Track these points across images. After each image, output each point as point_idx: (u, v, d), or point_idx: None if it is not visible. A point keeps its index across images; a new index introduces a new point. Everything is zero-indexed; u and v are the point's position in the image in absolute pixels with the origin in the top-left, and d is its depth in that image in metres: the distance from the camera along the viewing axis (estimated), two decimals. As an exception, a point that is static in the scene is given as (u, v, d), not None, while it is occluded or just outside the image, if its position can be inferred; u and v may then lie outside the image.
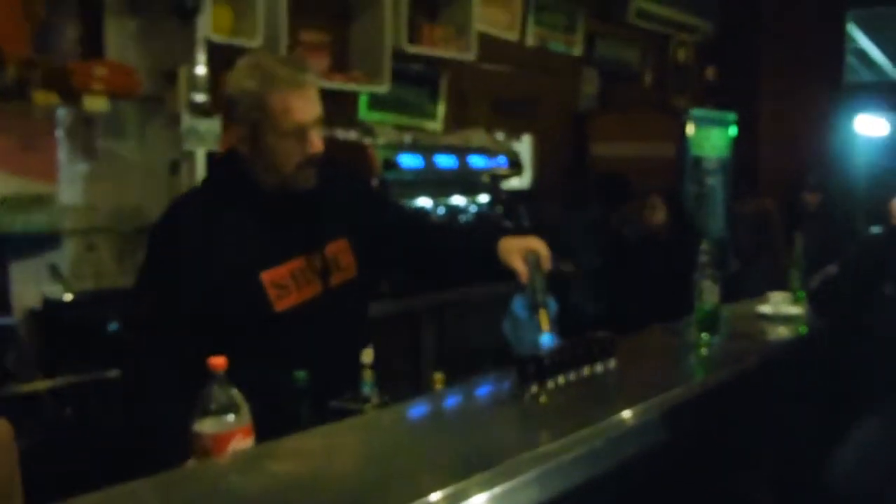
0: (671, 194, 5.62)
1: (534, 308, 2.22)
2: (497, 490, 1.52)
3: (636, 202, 5.52)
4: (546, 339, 2.15)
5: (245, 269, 2.21)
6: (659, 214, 5.39)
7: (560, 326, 2.23)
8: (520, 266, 2.30)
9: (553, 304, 2.26)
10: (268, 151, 2.22)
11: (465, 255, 2.54)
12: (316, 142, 2.23)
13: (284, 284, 2.25)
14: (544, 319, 2.19)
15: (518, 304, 2.28)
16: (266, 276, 2.23)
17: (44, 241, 3.86)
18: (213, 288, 2.19)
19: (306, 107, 2.21)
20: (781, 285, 3.55)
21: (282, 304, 2.24)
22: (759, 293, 3.54)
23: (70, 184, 4.02)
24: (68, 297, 3.86)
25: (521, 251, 2.33)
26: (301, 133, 2.21)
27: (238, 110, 2.22)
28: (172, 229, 2.30)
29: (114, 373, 3.11)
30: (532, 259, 2.30)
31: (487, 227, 5.15)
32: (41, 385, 3.40)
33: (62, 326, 3.73)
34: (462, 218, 5.17)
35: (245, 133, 2.23)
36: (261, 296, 2.22)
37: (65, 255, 3.97)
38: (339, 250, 2.37)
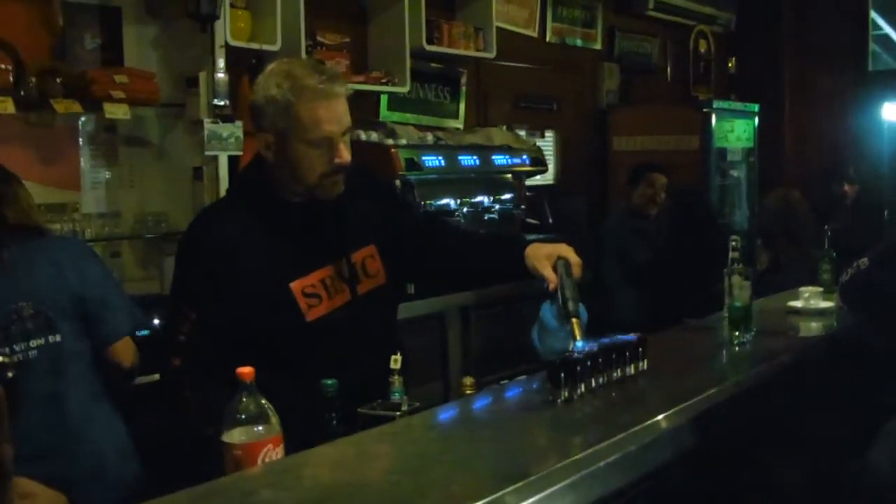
0: (681, 188, 5.62)
1: (565, 318, 2.13)
2: (533, 499, 1.50)
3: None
4: (579, 349, 2.04)
5: (274, 280, 2.20)
6: (653, 191, 5.43)
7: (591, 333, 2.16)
8: (549, 273, 2.23)
9: (584, 311, 2.17)
10: (294, 160, 2.21)
11: (491, 262, 2.50)
12: (344, 153, 2.21)
13: (315, 293, 2.24)
14: (577, 329, 2.09)
15: (547, 312, 2.22)
16: (296, 286, 2.22)
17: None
18: (245, 301, 2.17)
19: (335, 117, 2.20)
20: (807, 276, 3.50)
21: (313, 314, 2.23)
22: (785, 284, 3.49)
23: (93, 192, 4.03)
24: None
25: (549, 257, 2.26)
26: (329, 144, 2.19)
27: (265, 118, 2.21)
28: (200, 244, 2.29)
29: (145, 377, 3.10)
30: (562, 266, 2.22)
31: (513, 234, 5.12)
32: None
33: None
34: (486, 217, 5.13)
35: (271, 141, 2.21)
36: (292, 306, 2.21)
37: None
38: (366, 257, 2.35)
